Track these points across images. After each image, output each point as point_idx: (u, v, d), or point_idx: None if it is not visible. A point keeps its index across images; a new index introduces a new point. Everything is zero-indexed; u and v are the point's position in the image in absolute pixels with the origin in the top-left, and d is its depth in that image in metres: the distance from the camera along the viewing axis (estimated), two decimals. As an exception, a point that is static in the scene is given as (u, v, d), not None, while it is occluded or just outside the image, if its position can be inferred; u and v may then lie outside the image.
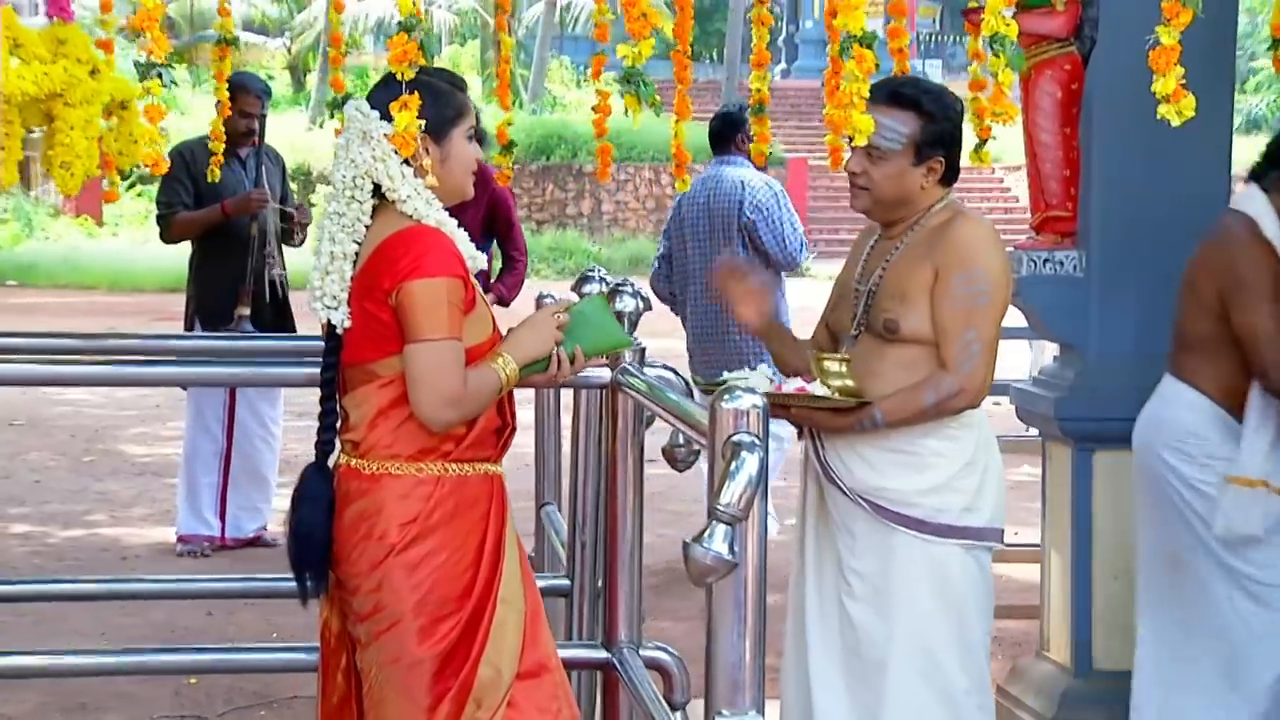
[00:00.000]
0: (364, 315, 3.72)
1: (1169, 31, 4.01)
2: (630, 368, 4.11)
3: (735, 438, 2.84)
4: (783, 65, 47.89)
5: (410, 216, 3.73)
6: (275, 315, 8.45)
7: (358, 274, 3.73)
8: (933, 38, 49.23)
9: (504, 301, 8.34)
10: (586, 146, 32.84)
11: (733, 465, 2.79)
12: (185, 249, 8.65)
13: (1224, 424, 4.80)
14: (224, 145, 6.89)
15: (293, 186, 7.20)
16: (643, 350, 4.20)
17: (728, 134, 8.39)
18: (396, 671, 3.73)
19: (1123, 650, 5.37)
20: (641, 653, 4.16)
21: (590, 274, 4.74)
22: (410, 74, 3.75)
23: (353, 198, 3.73)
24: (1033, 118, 5.50)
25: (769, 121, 6.09)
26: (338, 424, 3.80)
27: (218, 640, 6.91)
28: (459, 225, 3.81)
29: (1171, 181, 5.42)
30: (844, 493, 4.27)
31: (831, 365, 4.15)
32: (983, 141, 5.06)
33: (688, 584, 3.34)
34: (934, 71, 42.02)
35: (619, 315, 4.18)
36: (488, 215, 8.42)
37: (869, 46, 4.10)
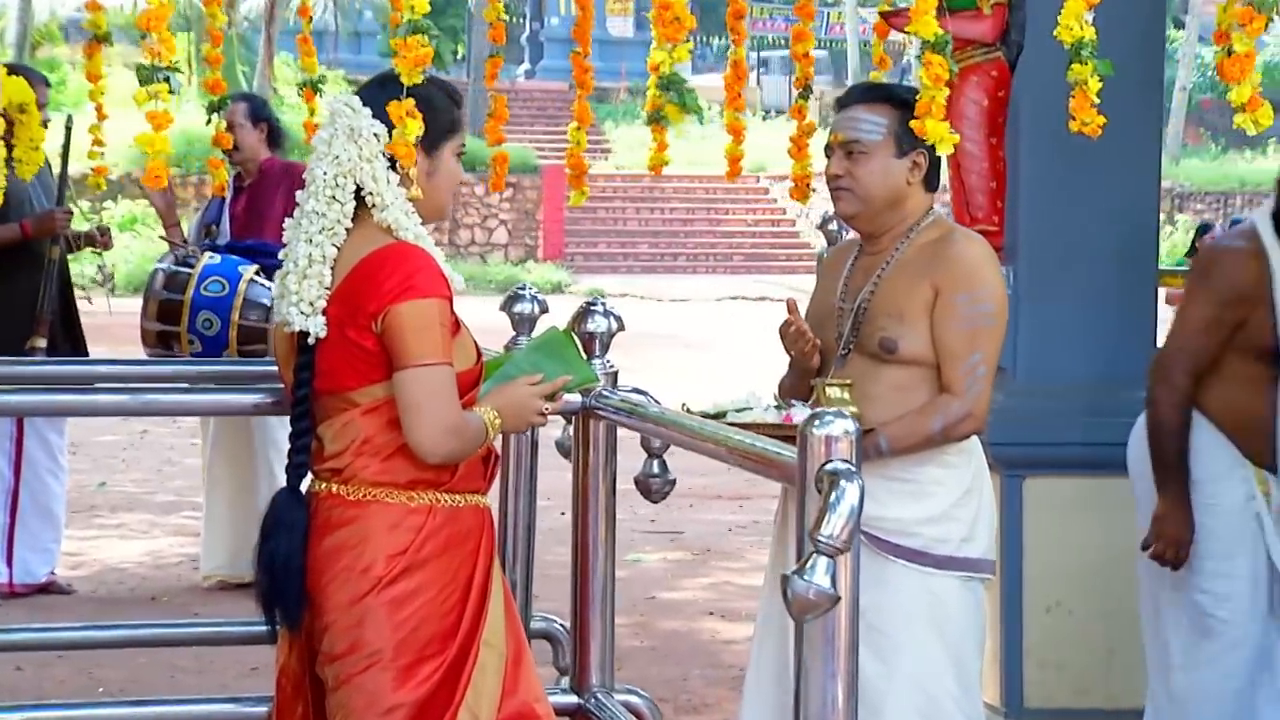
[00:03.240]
0: (343, 342, 3.66)
1: (1242, 38, 4.10)
2: (606, 392, 4.12)
3: (830, 466, 2.88)
4: (526, 65, 47.92)
5: (387, 229, 3.70)
6: (69, 338, 8.25)
7: (333, 294, 3.68)
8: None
9: None
10: (320, 151, 32.39)
11: (833, 495, 2.83)
12: None
13: None
14: None
15: None
16: (615, 373, 4.22)
17: None
18: (368, 719, 3.69)
19: (1056, 687, 5.52)
20: (615, 696, 4.17)
21: (521, 292, 4.73)
22: (419, 79, 3.72)
23: (333, 197, 3.69)
24: (957, 126, 5.62)
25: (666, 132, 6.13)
26: (311, 447, 3.75)
27: (36, 698, 6.71)
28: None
29: (1102, 195, 5.58)
30: (838, 523, 4.28)
31: (834, 392, 4.18)
32: None
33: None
34: (684, 70, 42.28)
35: (590, 336, 4.20)
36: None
37: (941, 52, 4.19)
